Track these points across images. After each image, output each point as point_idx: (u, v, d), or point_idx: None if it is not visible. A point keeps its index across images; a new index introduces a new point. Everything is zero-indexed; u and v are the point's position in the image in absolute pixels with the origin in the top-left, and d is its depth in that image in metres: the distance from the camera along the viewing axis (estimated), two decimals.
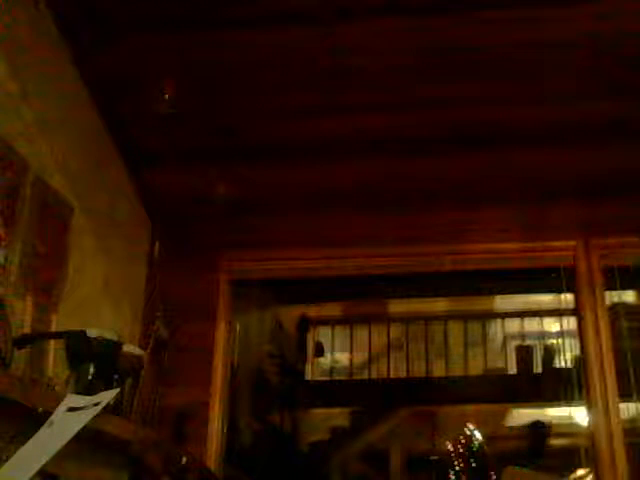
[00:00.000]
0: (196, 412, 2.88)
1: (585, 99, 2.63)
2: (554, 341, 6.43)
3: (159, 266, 3.07)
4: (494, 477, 5.31)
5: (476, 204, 3.02)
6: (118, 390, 1.78)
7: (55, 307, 2.29)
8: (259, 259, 3.17)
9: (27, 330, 2.02)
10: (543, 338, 6.69)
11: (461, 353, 6.75)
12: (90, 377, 1.86)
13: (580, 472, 5.05)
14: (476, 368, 6.68)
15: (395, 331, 6.86)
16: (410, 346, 6.74)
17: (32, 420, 1.49)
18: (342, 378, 6.85)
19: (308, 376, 6.38)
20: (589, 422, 2.90)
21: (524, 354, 6.59)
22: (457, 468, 5.46)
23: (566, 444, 5.75)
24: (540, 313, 6.48)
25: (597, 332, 2.89)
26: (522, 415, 6.95)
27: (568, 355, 5.57)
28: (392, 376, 6.64)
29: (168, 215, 3.14)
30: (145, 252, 3.11)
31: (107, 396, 1.58)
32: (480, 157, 2.87)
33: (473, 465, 5.40)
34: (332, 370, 6.92)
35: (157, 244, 3.08)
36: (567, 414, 5.98)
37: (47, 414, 1.48)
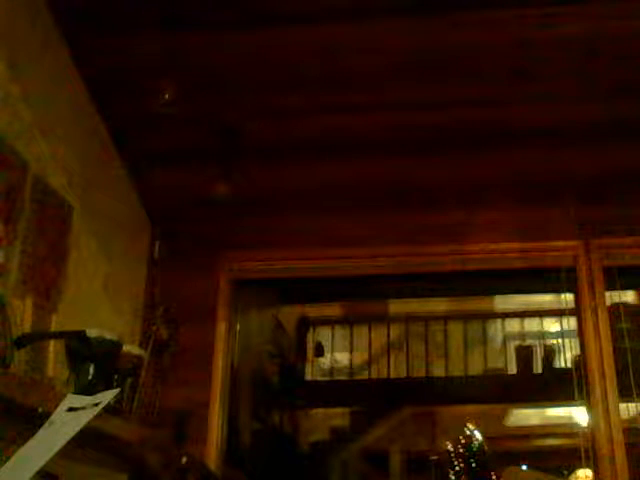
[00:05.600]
0: (196, 412, 2.87)
1: (585, 99, 2.63)
2: (554, 341, 6.44)
3: (159, 266, 3.07)
4: (494, 477, 5.31)
5: (476, 204, 3.02)
6: (118, 390, 1.78)
7: (55, 307, 2.28)
8: (259, 259, 3.16)
9: (27, 330, 2.02)
10: (543, 338, 6.70)
11: (461, 353, 6.76)
12: (90, 377, 1.86)
13: (580, 472, 5.05)
14: (476, 368, 6.68)
15: (395, 331, 6.87)
16: (410, 346, 6.75)
17: (32, 420, 1.49)
18: (342, 378, 6.85)
19: (308, 376, 6.38)
20: (589, 422, 2.90)
21: (524, 354, 6.60)
22: (457, 468, 5.46)
23: (566, 444, 5.76)
24: (540, 313, 6.49)
25: (597, 332, 2.89)
26: (522, 415, 6.95)
27: (568, 355, 5.58)
28: (392, 376, 6.65)
29: (168, 215, 3.14)
30: (145, 252, 3.11)
31: (107, 396, 1.57)
32: (480, 157, 2.87)
33: (473, 465, 5.40)
34: (332, 370, 6.92)
35: (157, 244, 3.08)
36: (567, 414, 6.01)
37: (47, 414, 1.48)
